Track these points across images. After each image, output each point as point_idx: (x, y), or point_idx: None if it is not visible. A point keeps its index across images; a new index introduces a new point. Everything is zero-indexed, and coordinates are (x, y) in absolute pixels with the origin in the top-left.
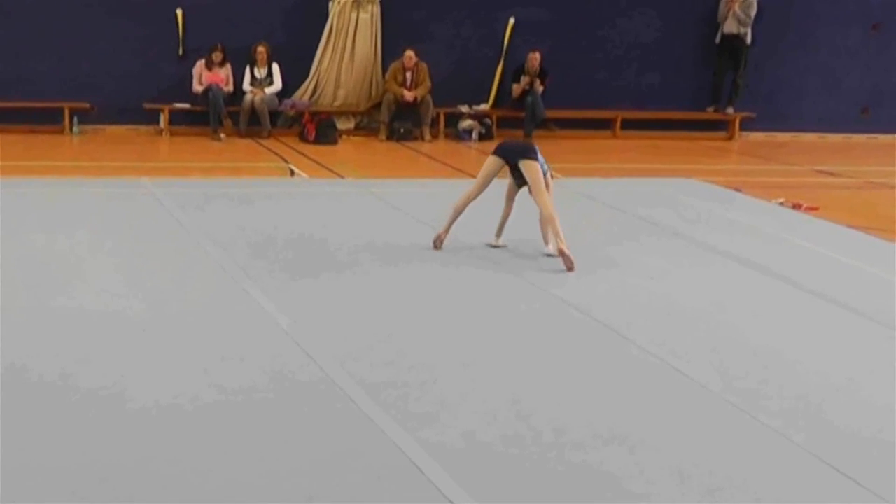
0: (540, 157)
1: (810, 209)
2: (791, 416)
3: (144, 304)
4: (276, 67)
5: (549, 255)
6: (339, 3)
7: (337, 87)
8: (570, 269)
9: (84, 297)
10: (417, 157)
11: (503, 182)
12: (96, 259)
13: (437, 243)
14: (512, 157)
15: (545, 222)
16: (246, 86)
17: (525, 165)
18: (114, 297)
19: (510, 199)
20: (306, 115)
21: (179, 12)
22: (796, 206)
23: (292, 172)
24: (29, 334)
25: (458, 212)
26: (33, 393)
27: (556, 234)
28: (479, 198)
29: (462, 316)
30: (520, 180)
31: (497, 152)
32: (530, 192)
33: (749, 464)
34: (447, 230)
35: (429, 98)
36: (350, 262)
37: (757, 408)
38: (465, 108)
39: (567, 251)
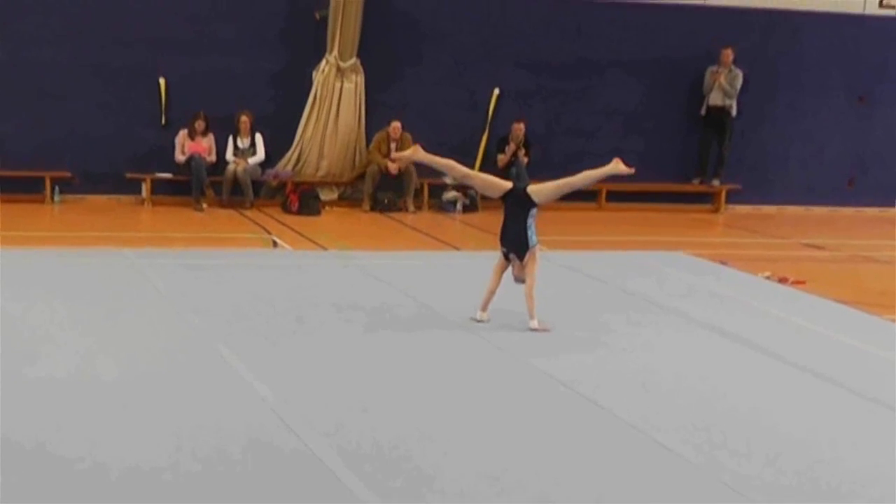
0: (534, 234)
1: (797, 283)
2: (778, 491)
3: (123, 372)
4: (259, 137)
5: (533, 330)
6: (322, 72)
7: (320, 157)
8: (629, 170)
9: (62, 365)
10: (401, 229)
11: (492, 255)
12: (75, 328)
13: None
14: (521, 183)
15: (529, 296)
16: (229, 155)
17: (532, 188)
18: (92, 365)
19: (498, 273)
20: (289, 186)
21: (162, 81)
22: (783, 280)
23: (275, 243)
24: (5, 403)
25: (460, 173)
26: (9, 462)
27: (582, 179)
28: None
29: (444, 388)
30: (509, 245)
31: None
32: (515, 271)
33: None
34: (436, 164)
35: (412, 169)
36: (331, 333)
37: (742, 483)
38: (449, 180)
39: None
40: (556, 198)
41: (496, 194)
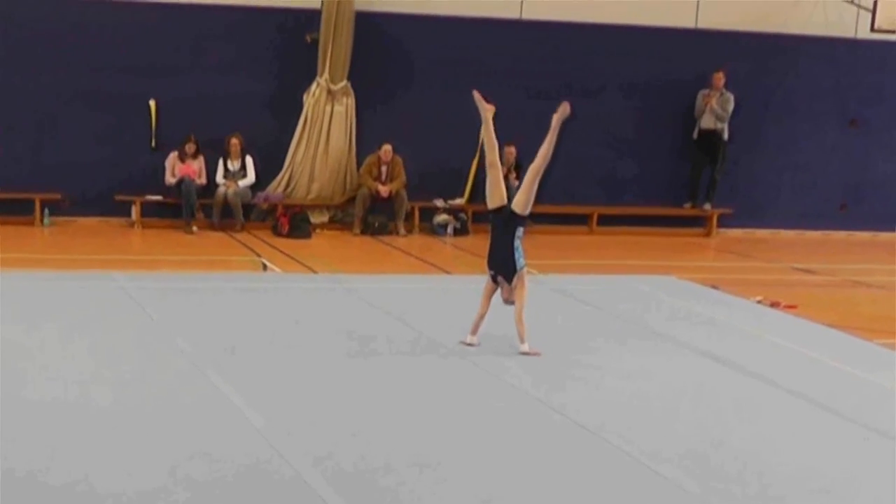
0: (521, 256)
1: (789, 307)
2: None
3: (113, 398)
4: (249, 160)
5: (524, 354)
6: (313, 95)
7: (311, 180)
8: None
9: (52, 390)
10: (392, 252)
11: (483, 279)
12: (65, 352)
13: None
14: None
15: (519, 320)
16: (219, 178)
17: (513, 203)
18: (82, 391)
19: (487, 297)
20: (280, 209)
21: (152, 103)
22: (775, 304)
23: (265, 266)
24: None
25: (491, 158)
26: (2, 488)
27: (541, 158)
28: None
29: (435, 413)
30: (496, 268)
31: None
32: (503, 293)
33: None
34: (489, 136)
35: (403, 192)
36: (322, 358)
37: None
38: (440, 203)
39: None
40: (534, 192)
41: (494, 200)
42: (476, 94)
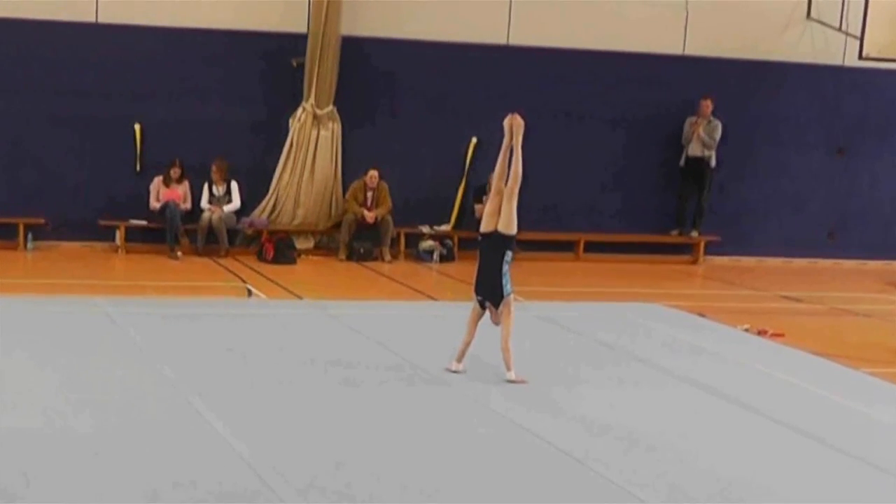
0: (508, 283)
1: (776, 336)
2: None
3: (95, 424)
4: (234, 185)
5: (510, 382)
6: (299, 120)
7: (296, 205)
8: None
9: (35, 416)
10: (377, 279)
11: (469, 305)
12: (47, 378)
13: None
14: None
15: (505, 348)
16: (204, 203)
17: (499, 226)
18: (63, 417)
19: (473, 324)
20: (264, 234)
21: (137, 127)
22: (762, 333)
23: (250, 292)
24: None
25: (498, 172)
26: None
27: (513, 175)
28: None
29: (420, 441)
30: (484, 293)
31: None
32: (491, 316)
33: None
34: (516, 154)
35: (389, 218)
36: (307, 385)
37: None
38: (426, 229)
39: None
40: (514, 211)
41: (488, 225)
42: (511, 120)
